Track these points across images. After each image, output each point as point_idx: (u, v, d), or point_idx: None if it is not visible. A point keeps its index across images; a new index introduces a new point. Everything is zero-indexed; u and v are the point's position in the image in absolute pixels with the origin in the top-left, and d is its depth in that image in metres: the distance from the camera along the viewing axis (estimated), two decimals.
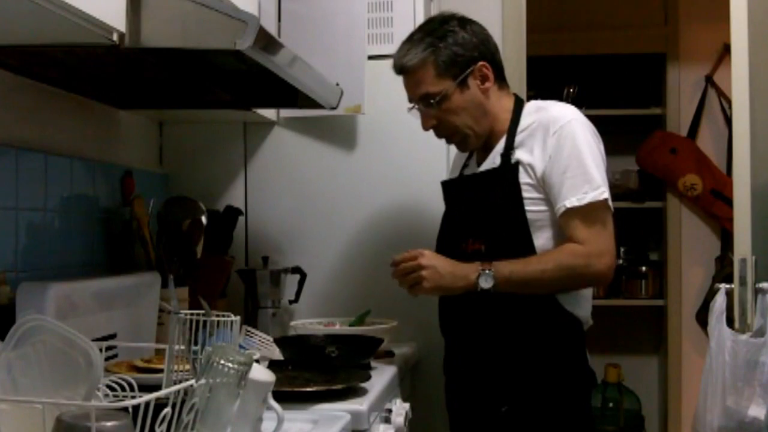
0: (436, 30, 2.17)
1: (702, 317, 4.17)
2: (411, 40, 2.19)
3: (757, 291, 2.48)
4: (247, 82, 2.12)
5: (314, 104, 2.39)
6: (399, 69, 2.21)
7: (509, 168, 2.12)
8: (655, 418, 4.50)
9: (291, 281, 2.65)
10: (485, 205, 2.17)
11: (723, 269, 4.13)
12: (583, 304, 2.19)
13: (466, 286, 2.07)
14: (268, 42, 1.70)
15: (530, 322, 2.13)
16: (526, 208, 2.10)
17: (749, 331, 2.48)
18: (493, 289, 2.04)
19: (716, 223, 4.35)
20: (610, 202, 2.10)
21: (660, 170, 4.35)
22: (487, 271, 2.04)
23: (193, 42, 1.60)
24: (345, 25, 2.68)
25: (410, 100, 2.23)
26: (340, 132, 2.74)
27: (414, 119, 2.61)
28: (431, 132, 2.49)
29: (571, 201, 2.05)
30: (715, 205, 4.26)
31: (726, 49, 3.84)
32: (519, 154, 2.12)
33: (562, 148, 2.07)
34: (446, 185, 2.36)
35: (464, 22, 2.20)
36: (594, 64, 4.51)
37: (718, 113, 4.37)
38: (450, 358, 2.31)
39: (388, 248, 2.65)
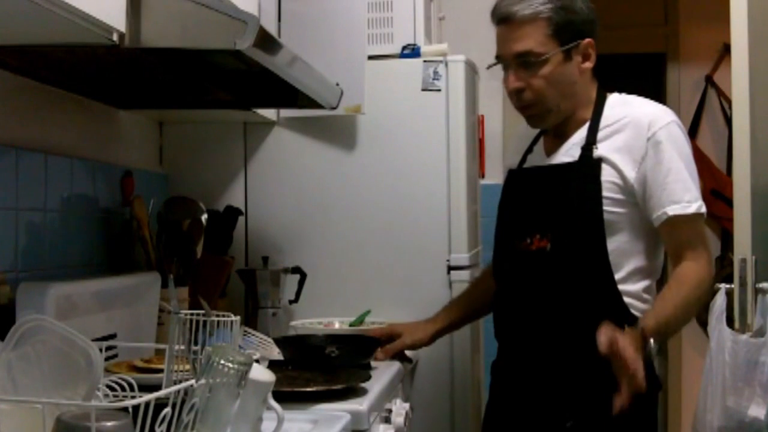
0: None
1: (702, 317, 4.16)
2: None
3: (757, 291, 2.48)
4: (247, 82, 2.12)
5: (314, 104, 2.39)
6: (504, 16, 2.01)
7: (591, 163, 1.99)
8: None
9: (291, 281, 2.65)
10: (558, 200, 2.02)
11: (723, 269, 4.13)
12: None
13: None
14: (268, 42, 1.70)
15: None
16: (605, 208, 1.97)
17: (749, 331, 2.48)
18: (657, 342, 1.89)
19: (716, 223, 4.35)
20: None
21: None
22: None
23: (192, 42, 1.60)
24: (345, 25, 2.68)
25: (498, 55, 2.05)
26: (340, 132, 2.74)
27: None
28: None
29: (674, 209, 1.95)
30: (715, 205, 4.26)
31: (726, 49, 3.84)
32: (603, 150, 1.99)
33: (663, 153, 1.96)
34: (512, 175, 2.18)
35: None
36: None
37: (718, 113, 4.37)
38: (507, 365, 2.14)
39: (387, 248, 2.66)
